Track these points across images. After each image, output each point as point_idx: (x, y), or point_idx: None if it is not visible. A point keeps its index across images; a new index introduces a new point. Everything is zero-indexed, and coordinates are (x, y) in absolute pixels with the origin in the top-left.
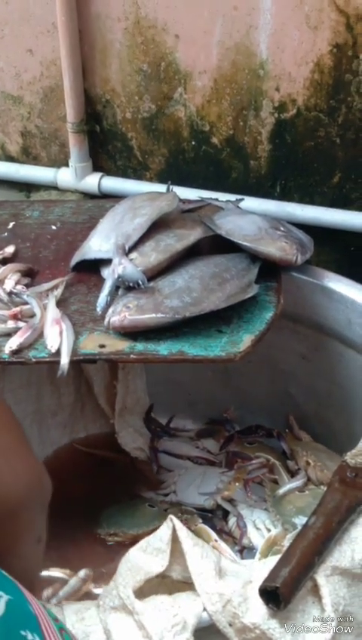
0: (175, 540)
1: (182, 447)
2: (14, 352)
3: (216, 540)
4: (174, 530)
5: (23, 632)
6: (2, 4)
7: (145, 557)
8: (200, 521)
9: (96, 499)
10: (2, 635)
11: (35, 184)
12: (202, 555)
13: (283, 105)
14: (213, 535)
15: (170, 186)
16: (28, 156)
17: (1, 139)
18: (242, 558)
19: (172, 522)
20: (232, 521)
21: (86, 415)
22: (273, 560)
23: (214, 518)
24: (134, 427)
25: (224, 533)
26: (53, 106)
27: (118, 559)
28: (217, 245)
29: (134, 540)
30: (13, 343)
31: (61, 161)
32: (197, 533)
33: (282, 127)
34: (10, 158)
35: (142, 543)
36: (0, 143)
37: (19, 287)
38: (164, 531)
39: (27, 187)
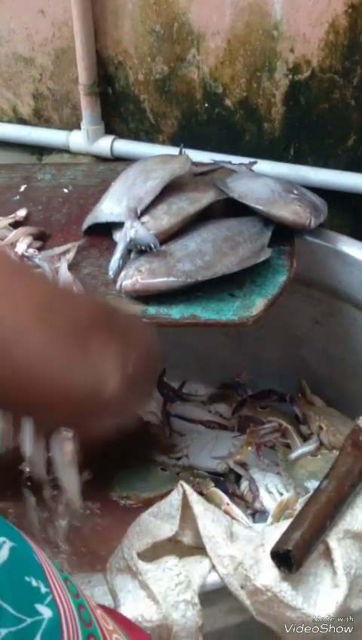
0: (186, 505)
1: (195, 412)
2: None
3: (228, 504)
4: (185, 496)
5: (27, 579)
6: None
7: (155, 521)
8: (213, 484)
9: (108, 462)
10: (6, 581)
11: (46, 147)
12: (213, 519)
13: (297, 66)
14: (225, 498)
15: (183, 149)
16: (40, 119)
17: (13, 101)
18: (254, 521)
19: (182, 487)
20: (244, 484)
21: None
22: (285, 524)
23: (226, 481)
24: None
25: (236, 497)
26: (64, 68)
27: (130, 522)
28: (230, 209)
29: (147, 503)
30: None
31: (73, 124)
32: (209, 497)
33: (296, 89)
34: (21, 121)
35: (153, 508)
36: (12, 106)
37: (31, 250)
38: (174, 496)
39: (39, 150)
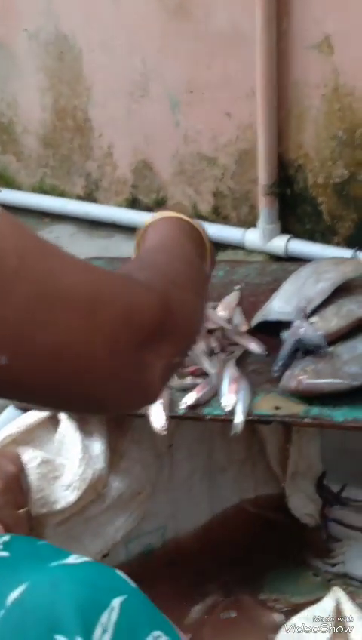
0: (339, 612)
1: (354, 518)
2: (190, 407)
3: None
4: (338, 603)
5: None
6: (204, 68)
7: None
8: None
9: (260, 562)
10: None
11: (222, 243)
12: None
13: None
14: None
15: (357, 252)
16: (218, 215)
17: (194, 198)
18: None
19: (336, 594)
20: None
21: (256, 475)
22: None
23: None
24: (305, 492)
25: None
26: (246, 169)
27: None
28: None
29: (295, 608)
30: (189, 399)
31: (249, 222)
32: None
33: None
34: (200, 217)
35: (305, 612)
36: (192, 202)
37: (214, 344)
38: (327, 602)
39: (215, 246)
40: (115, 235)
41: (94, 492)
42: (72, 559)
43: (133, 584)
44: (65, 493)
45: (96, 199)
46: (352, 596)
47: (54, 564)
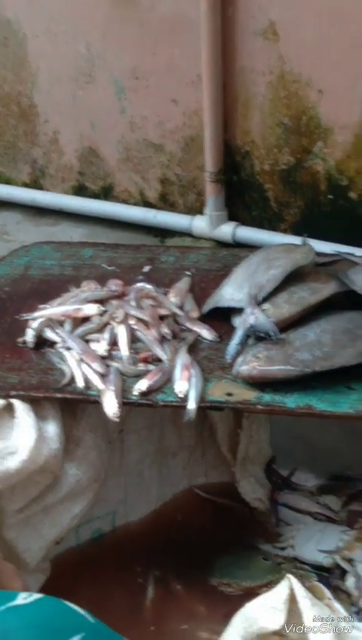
0: (292, 599)
1: (303, 502)
2: (143, 394)
3: (329, 599)
4: (292, 589)
5: None
6: (149, 54)
7: (261, 612)
8: (315, 578)
9: (211, 546)
10: None
11: (170, 230)
12: (321, 615)
13: None
14: (327, 593)
15: (305, 239)
16: (165, 202)
17: (141, 185)
18: (359, 620)
19: (290, 581)
20: (350, 581)
21: (207, 460)
22: None
23: (330, 577)
24: (255, 477)
25: (340, 592)
26: (192, 155)
27: (231, 608)
28: (351, 301)
29: (246, 592)
30: (142, 385)
31: (197, 209)
32: (310, 590)
33: None
34: (148, 204)
35: (260, 599)
36: (139, 189)
37: (166, 330)
38: (281, 590)
39: (162, 233)
40: (62, 222)
41: (51, 475)
42: (21, 599)
43: (91, 618)
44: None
45: (42, 186)
46: (302, 580)
47: (2, 608)
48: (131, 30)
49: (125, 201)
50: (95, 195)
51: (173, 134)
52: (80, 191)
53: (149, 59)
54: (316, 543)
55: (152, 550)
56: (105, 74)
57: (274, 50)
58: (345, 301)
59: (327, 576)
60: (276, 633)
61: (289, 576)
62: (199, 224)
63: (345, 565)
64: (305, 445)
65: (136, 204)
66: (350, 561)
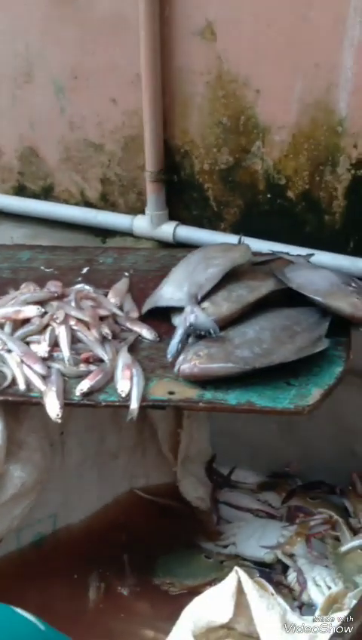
0: (240, 591)
1: (243, 499)
2: (85, 395)
3: (272, 594)
4: (239, 582)
5: None
6: (88, 54)
7: (209, 606)
8: (257, 574)
9: (153, 546)
10: None
11: (111, 230)
12: (268, 606)
13: (360, 162)
14: (270, 588)
15: (242, 238)
16: (106, 202)
17: (81, 185)
18: (301, 614)
19: (237, 574)
20: (292, 576)
21: (147, 461)
22: (338, 616)
23: (272, 572)
24: (196, 476)
25: (282, 586)
26: (133, 155)
27: (175, 607)
28: (288, 298)
29: (190, 590)
30: (84, 386)
31: (138, 209)
32: None
33: (358, 184)
34: (88, 204)
35: (207, 592)
36: (80, 189)
37: (106, 331)
38: (229, 582)
39: (103, 233)
40: (3, 223)
41: None
42: None
43: (42, 625)
44: None
45: None
46: None
47: None
48: (70, 30)
49: (66, 201)
50: (35, 196)
51: (113, 134)
52: (20, 191)
53: (88, 58)
54: (257, 539)
55: (94, 552)
56: (45, 73)
57: (211, 49)
58: (282, 298)
59: (269, 572)
60: (224, 626)
61: (237, 568)
62: (140, 224)
63: (286, 560)
64: (244, 444)
65: (77, 204)
66: (291, 556)
